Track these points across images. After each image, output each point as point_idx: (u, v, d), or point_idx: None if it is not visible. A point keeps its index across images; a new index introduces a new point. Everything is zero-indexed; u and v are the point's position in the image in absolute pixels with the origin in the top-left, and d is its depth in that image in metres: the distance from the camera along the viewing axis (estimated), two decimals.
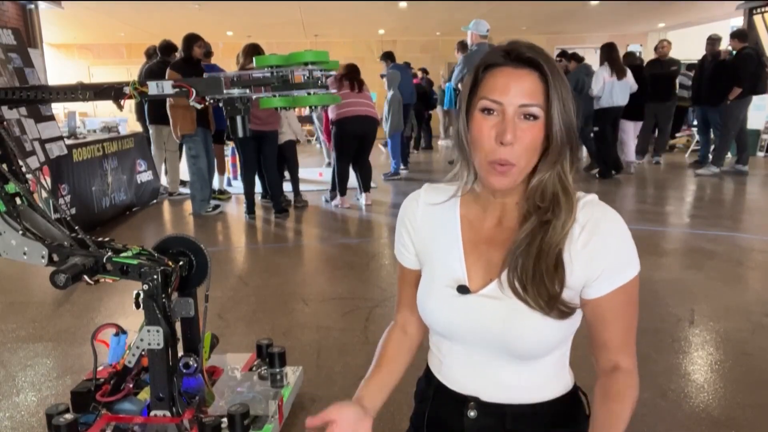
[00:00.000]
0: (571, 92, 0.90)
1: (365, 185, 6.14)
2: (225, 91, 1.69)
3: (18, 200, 1.79)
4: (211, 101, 1.72)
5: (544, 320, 0.90)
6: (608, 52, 7.12)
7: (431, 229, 1.03)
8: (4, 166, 1.75)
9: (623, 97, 7.09)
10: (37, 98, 1.78)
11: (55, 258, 1.71)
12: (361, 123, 5.73)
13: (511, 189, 0.93)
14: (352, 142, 5.82)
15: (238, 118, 1.72)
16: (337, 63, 2.06)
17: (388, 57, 8.01)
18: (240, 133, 1.75)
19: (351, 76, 5.83)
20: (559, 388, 0.99)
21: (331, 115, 5.85)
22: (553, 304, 0.89)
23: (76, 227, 1.78)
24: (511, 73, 0.88)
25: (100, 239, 1.82)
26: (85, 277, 1.67)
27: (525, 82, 0.88)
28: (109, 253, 1.71)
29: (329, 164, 8.87)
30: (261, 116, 5.18)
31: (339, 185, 5.95)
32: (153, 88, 1.70)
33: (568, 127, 0.89)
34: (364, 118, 5.76)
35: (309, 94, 1.69)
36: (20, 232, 1.70)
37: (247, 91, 1.71)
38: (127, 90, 1.69)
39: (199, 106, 1.74)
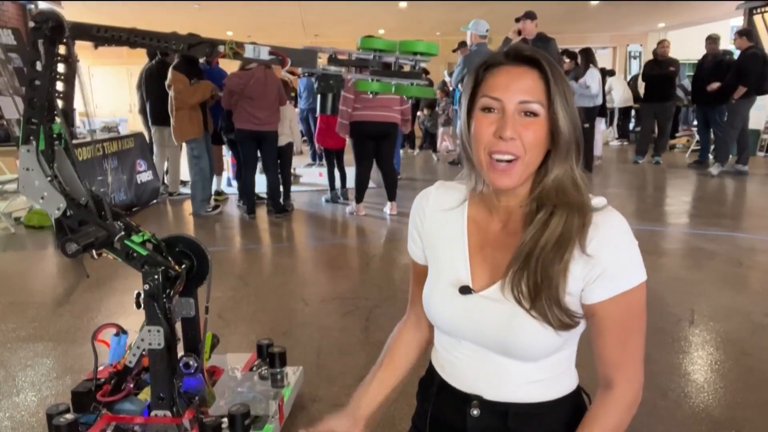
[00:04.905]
0: (572, 91, 0.90)
1: (389, 193, 5.58)
2: (321, 67, 1.65)
3: (56, 143, 1.74)
4: (304, 74, 1.71)
5: (543, 325, 0.89)
6: (592, 56, 7.72)
7: (439, 227, 1.03)
8: (62, 102, 1.71)
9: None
10: (129, 40, 1.69)
11: (69, 213, 1.68)
12: (375, 125, 5.27)
13: (515, 189, 0.92)
14: (366, 142, 5.36)
15: (330, 95, 1.70)
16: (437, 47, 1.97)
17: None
18: (328, 111, 1.74)
19: None
20: (563, 389, 0.99)
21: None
22: (553, 312, 0.88)
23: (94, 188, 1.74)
24: (511, 71, 0.89)
25: (115, 209, 1.77)
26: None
27: (525, 79, 0.88)
28: (122, 233, 1.69)
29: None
30: (260, 117, 5.16)
31: (356, 191, 5.55)
32: (249, 51, 1.65)
33: (574, 124, 0.89)
34: (379, 123, 5.27)
35: (411, 84, 1.62)
36: (48, 178, 1.66)
37: (343, 70, 1.66)
38: (222, 48, 1.64)
39: (290, 77, 1.73)
